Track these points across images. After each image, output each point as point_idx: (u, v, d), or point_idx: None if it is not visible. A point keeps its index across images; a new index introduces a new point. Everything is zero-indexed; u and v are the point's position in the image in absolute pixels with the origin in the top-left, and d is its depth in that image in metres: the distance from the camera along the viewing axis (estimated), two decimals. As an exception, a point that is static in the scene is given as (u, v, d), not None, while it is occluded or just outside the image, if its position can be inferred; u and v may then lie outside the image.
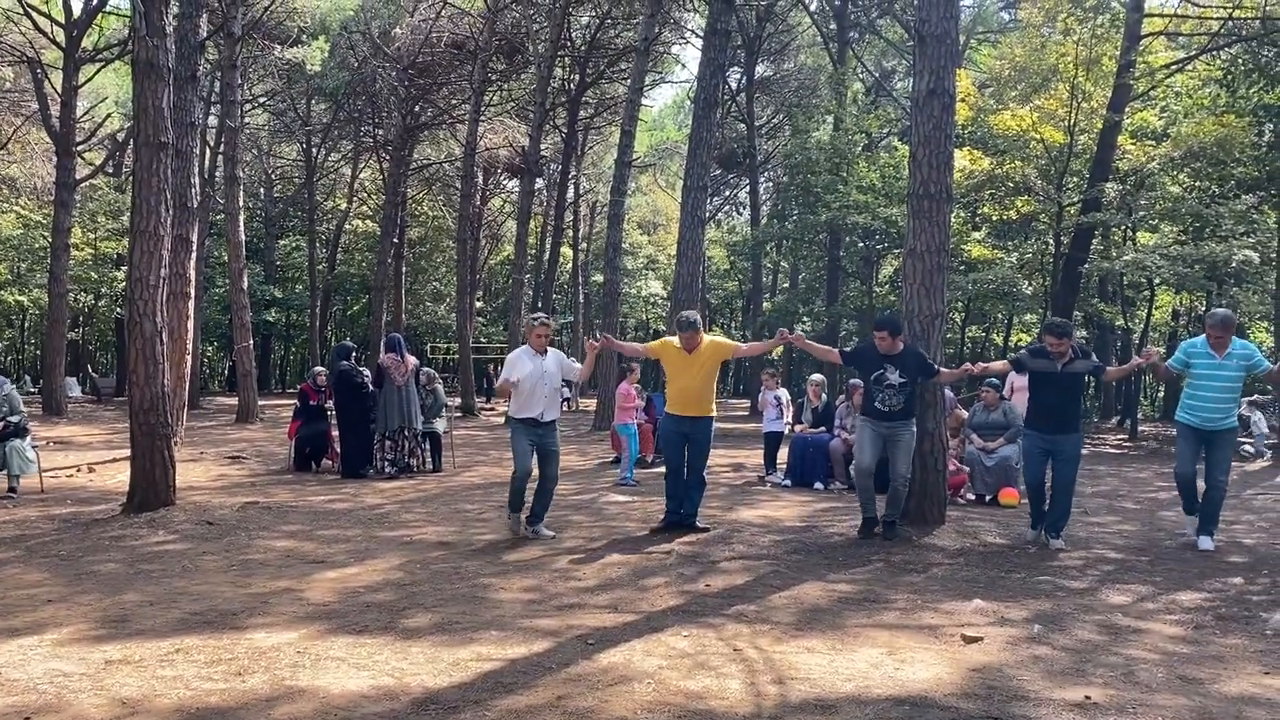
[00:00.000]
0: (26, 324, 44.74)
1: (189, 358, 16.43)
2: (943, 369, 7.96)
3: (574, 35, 30.06)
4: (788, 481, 11.56)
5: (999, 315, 27.62)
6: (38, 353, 42.82)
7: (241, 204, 22.85)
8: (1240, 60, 19.42)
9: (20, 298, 35.40)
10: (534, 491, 7.96)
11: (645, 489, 10.85)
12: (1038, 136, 18.94)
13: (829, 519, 8.86)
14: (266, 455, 14.67)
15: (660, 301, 47.19)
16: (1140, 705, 4.06)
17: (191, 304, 16.16)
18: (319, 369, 14.12)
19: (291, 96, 33.56)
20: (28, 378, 38.90)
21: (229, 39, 21.38)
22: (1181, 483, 7.70)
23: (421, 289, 43.58)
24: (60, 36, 22.67)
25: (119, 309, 32.78)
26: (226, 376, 41.96)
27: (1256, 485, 12.37)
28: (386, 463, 11.97)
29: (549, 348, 7.78)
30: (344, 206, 40.26)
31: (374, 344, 29.35)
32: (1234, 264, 17.15)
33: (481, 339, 40.66)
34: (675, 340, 7.97)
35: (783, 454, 12.29)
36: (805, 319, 33.05)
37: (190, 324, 16.21)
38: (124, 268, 26.74)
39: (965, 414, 11.09)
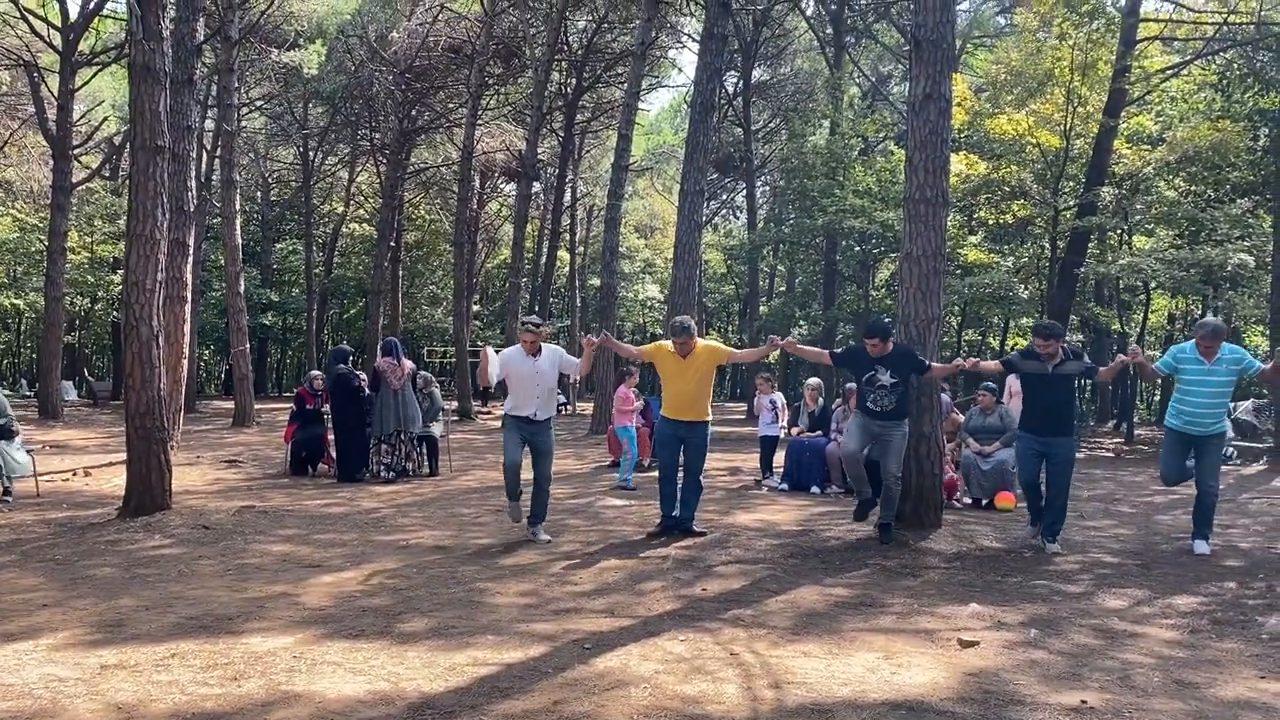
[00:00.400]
0: (22, 327, 44.68)
1: (185, 361, 16.39)
2: (935, 364, 8.01)
3: (571, 39, 30.10)
4: (784, 486, 11.56)
5: (995, 319, 27.64)
6: (34, 356, 42.72)
7: (238, 207, 22.84)
8: (1235, 65, 19.46)
9: (16, 301, 35.32)
10: (529, 494, 7.96)
11: (643, 493, 10.85)
12: (1034, 141, 18.96)
13: (825, 523, 8.87)
14: (263, 459, 14.65)
15: (657, 305, 47.20)
16: (1136, 710, 4.06)
17: (188, 308, 16.12)
18: (315, 373, 14.11)
19: (288, 100, 33.54)
20: (23, 381, 38.83)
21: (226, 43, 21.37)
22: (1168, 485, 7.87)
23: (418, 292, 43.55)
24: (57, 40, 22.66)
25: (115, 313, 32.73)
26: (223, 380, 41.84)
27: (1253, 489, 12.39)
28: (383, 467, 11.96)
29: (544, 345, 7.77)
30: (341, 210, 40.24)
31: (371, 347, 29.32)
32: (1229, 268, 17.16)
33: (478, 342, 40.59)
34: (670, 344, 7.97)
35: (779, 458, 12.29)
36: (802, 323, 33.03)
37: (187, 328, 16.17)
38: (120, 271, 26.72)
39: (961, 418, 11.10)
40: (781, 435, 12.73)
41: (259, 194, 41.89)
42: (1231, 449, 16.23)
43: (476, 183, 35.27)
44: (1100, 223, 18.67)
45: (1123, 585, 6.40)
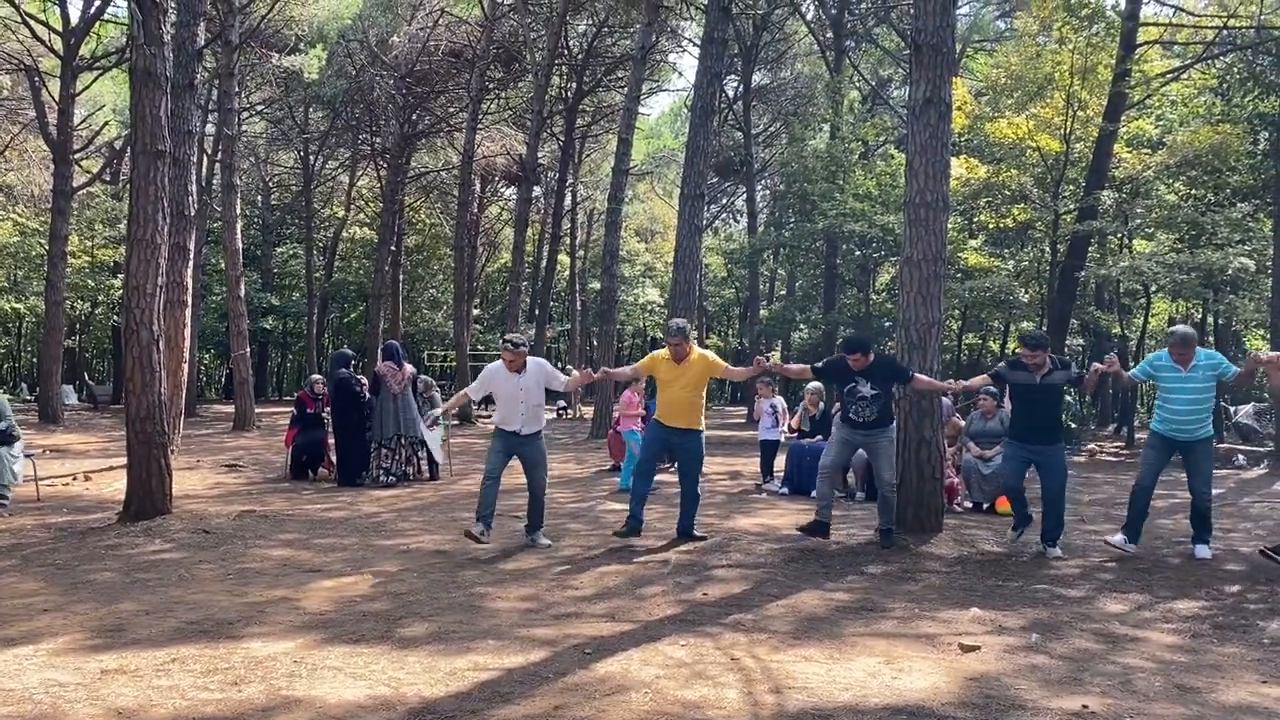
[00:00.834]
0: (23, 331, 44.68)
1: (186, 366, 16.39)
2: (919, 375, 7.94)
3: (571, 44, 30.12)
4: (785, 490, 11.56)
5: (996, 323, 27.63)
6: (34, 360, 42.70)
7: (239, 212, 22.85)
8: (1235, 69, 19.46)
9: (17, 305, 35.32)
10: (527, 504, 7.97)
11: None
12: (1034, 145, 18.97)
13: (826, 527, 8.85)
14: (263, 464, 14.65)
15: (658, 309, 47.18)
16: (1138, 714, 4.06)
17: (189, 312, 16.13)
18: (316, 377, 14.10)
19: (289, 104, 33.57)
20: (24, 385, 38.82)
21: (227, 47, 21.40)
22: (1136, 492, 7.50)
23: (419, 296, 43.53)
24: (58, 44, 22.68)
25: (116, 317, 32.73)
26: (223, 384, 41.80)
27: (1254, 493, 12.38)
28: (383, 471, 11.96)
29: (529, 360, 7.66)
30: (341, 214, 40.24)
31: (371, 351, 29.34)
32: (1230, 271, 17.17)
33: (479, 346, 40.55)
34: (664, 351, 7.93)
35: (780, 462, 12.28)
36: (802, 326, 33.04)
37: (187, 332, 16.18)
38: (121, 276, 26.72)
39: (963, 422, 11.09)
40: (782, 439, 12.73)
41: (260, 198, 41.90)
42: (1241, 456, 16.22)
43: (477, 187, 35.29)
44: (1100, 227, 18.68)
45: (1124, 589, 6.40)
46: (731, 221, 48.74)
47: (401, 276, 37.18)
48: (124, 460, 9.67)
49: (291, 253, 43.20)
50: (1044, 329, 20.66)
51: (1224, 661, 4.83)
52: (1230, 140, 17.50)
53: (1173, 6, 21.36)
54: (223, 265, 26.92)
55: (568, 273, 42.53)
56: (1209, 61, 20.22)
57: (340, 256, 42.89)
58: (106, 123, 27.72)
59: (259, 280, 39.19)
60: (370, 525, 8.94)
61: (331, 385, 12.43)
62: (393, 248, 33.78)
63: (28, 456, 10.66)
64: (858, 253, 28.39)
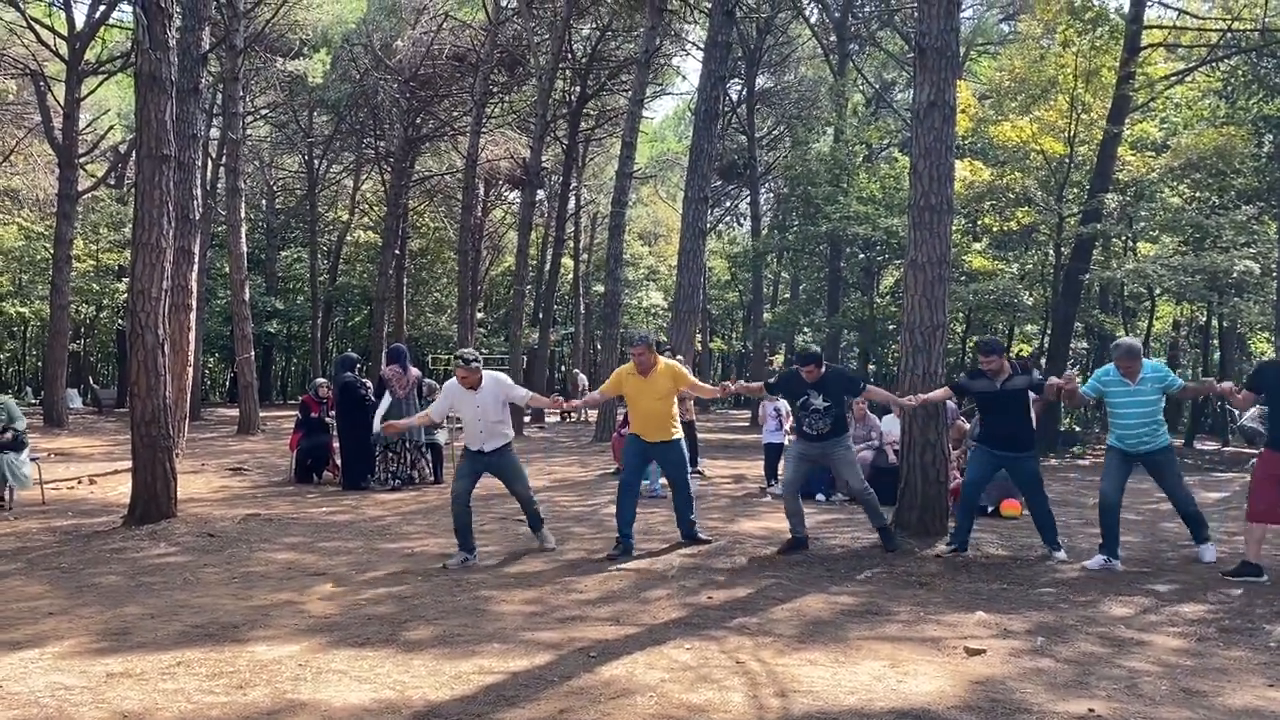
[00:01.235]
0: (28, 335, 44.79)
1: (190, 369, 16.44)
2: (872, 386, 8.08)
3: (575, 47, 30.14)
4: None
5: (1000, 326, 27.60)
6: (39, 364, 42.83)
7: (243, 216, 22.90)
8: (1240, 71, 19.45)
9: (22, 309, 35.46)
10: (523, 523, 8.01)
11: (646, 501, 10.84)
12: (1038, 148, 18.96)
13: (830, 530, 8.86)
14: (268, 467, 14.66)
15: (661, 312, 47.18)
16: (1143, 718, 4.05)
17: (193, 315, 16.16)
18: (320, 380, 14.12)
19: (293, 108, 33.64)
20: (29, 389, 38.91)
21: (231, 52, 21.44)
22: (1103, 507, 7.38)
23: (423, 300, 43.58)
24: (63, 49, 22.76)
25: (120, 320, 32.81)
26: (228, 388, 41.96)
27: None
28: (388, 475, 11.97)
29: (485, 374, 7.44)
30: (346, 218, 40.31)
31: (375, 355, 29.37)
32: (1234, 274, 17.15)
33: (483, 350, 40.63)
34: (628, 366, 7.73)
35: (783, 465, 12.25)
36: (806, 330, 33.03)
37: (192, 335, 16.22)
38: (126, 279, 26.76)
39: (967, 425, 11.08)
40: (786, 442, 12.70)
41: (264, 202, 41.99)
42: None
43: (481, 190, 35.29)
44: (1105, 230, 18.66)
45: (1129, 593, 6.38)
46: (735, 225, 48.72)
47: (406, 280, 37.24)
48: (129, 464, 9.69)
49: (296, 256, 43.27)
50: (1048, 332, 20.66)
51: (1230, 665, 4.82)
52: (1234, 143, 17.48)
53: (1177, 9, 21.34)
54: (227, 269, 26.98)
55: (571, 276, 42.56)
56: (1213, 64, 20.21)
57: (344, 260, 42.96)
58: (111, 127, 27.85)
59: (263, 284, 39.27)
60: (375, 529, 8.95)
61: (336, 389, 12.44)
62: (397, 251, 33.82)
63: (33, 460, 10.69)
64: (862, 256, 28.37)
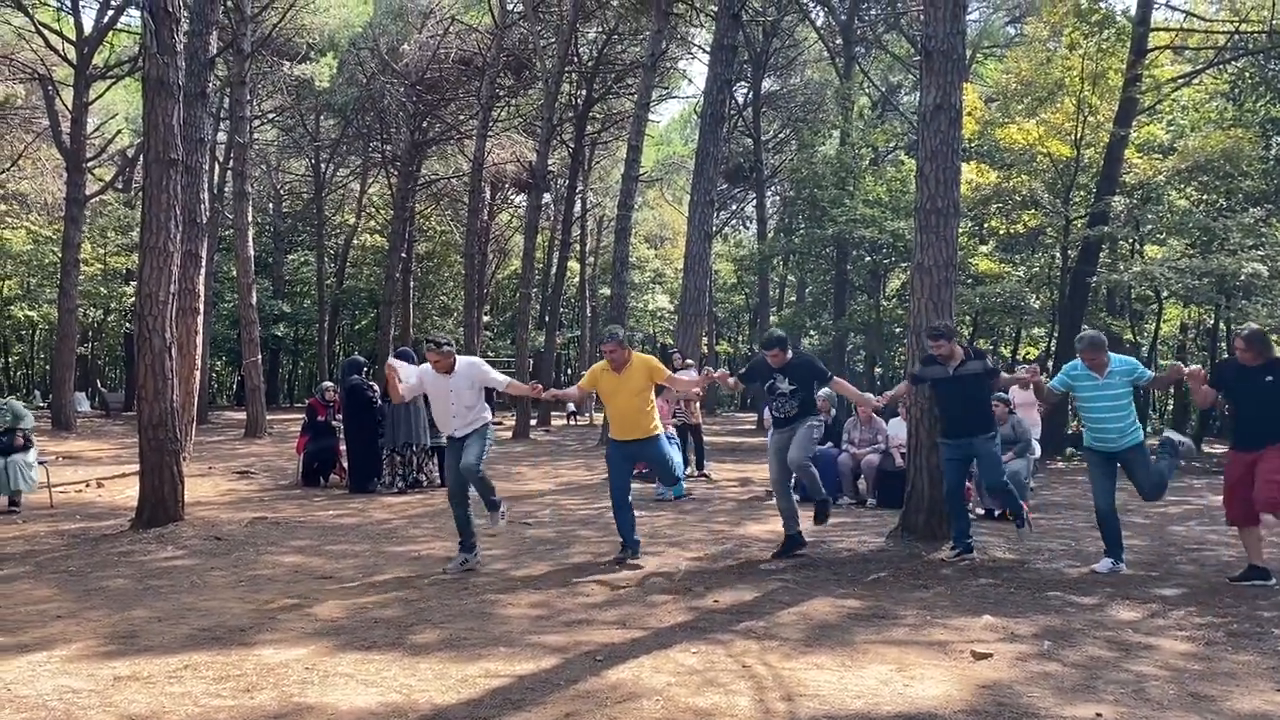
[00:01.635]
0: (36, 339, 44.93)
1: (198, 373, 16.48)
2: (839, 379, 8.14)
3: (581, 51, 30.18)
4: (796, 496, 11.50)
5: (1007, 329, 27.59)
6: (47, 368, 42.95)
7: (250, 219, 22.95)
8: (1247, 74, 19.42)
9: (30, 313, 35.55)
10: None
11: (652, 504, 10.86)
12: (1044, 150, 18.94)
13: (837, 534, 8.85)
14: (275, 470, 14.68)
15: (668, 315, 47.18)
16: (1151, 722, 4.04)
17: (200, 319, 16.21)
18: (327, 384, 14.13)
19: (300, 112, 33.73)
20: (36, 393, 39.04)
21: (239, 56, 21.52)
22: (1100, 519, 7.30)
23: (429, 303, 43.65)
24: (71, 54, 22.85)
25: (128, 324, 32.93)
26: (235, 391, 41.98)
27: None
28: (395, 478, 11.98)
29: (460, 359, 7.30)
30: (352, 221, 40.40)
31: (382, 358, 29.36)
32: (1242, 277, 17.11)
33: (489, 353, 40.65)
34: (602, 363, 7.59)
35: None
36: (813, 333, 33.02)
37: (199, 339, 16.26)
38: (133, 283, 26.86)
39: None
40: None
41: (271, 206, 42.09)
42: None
43: (487, 194, 35.36)
44: (1112, 232, 18.63)
45: (1137, 597, 6.36)
46: (741, 228, 48.75)
47: (412, 283, 37.28)
48: (136, 467, 9.72)
49: (303, 260, 43.38)
50: (1055, 335, 20.62)
51: (1238, 669, 4.80)
52: (1242, 145, 17.44)
53: (1184, 11, 21.31)
54: (234, 272, 27.01)
55: (578, 279, 42.58)
56: (1221, 66, 20.17)
57: (351, 263, 43.04)
58: (119, 131, 27.95)
59: (270, 287, 39.35)
60: (382, 532, 8.96)
61: (343, 392, 12.46)
62: (403, 254, 33.87)
63: (41, 463, 10.73)
64: (868, 259, 28.35)
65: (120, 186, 31.87)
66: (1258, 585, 6.63)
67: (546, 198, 35.00)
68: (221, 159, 30.47)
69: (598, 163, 39.12)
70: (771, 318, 34.26)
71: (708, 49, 23.34)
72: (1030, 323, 25.05)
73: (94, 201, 27.40)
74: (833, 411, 12.22)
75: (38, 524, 9.40)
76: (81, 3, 23.80)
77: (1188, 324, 31.45)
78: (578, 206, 37.14)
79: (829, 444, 11.84)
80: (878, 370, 30.94)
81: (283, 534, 8.80)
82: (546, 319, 33.38)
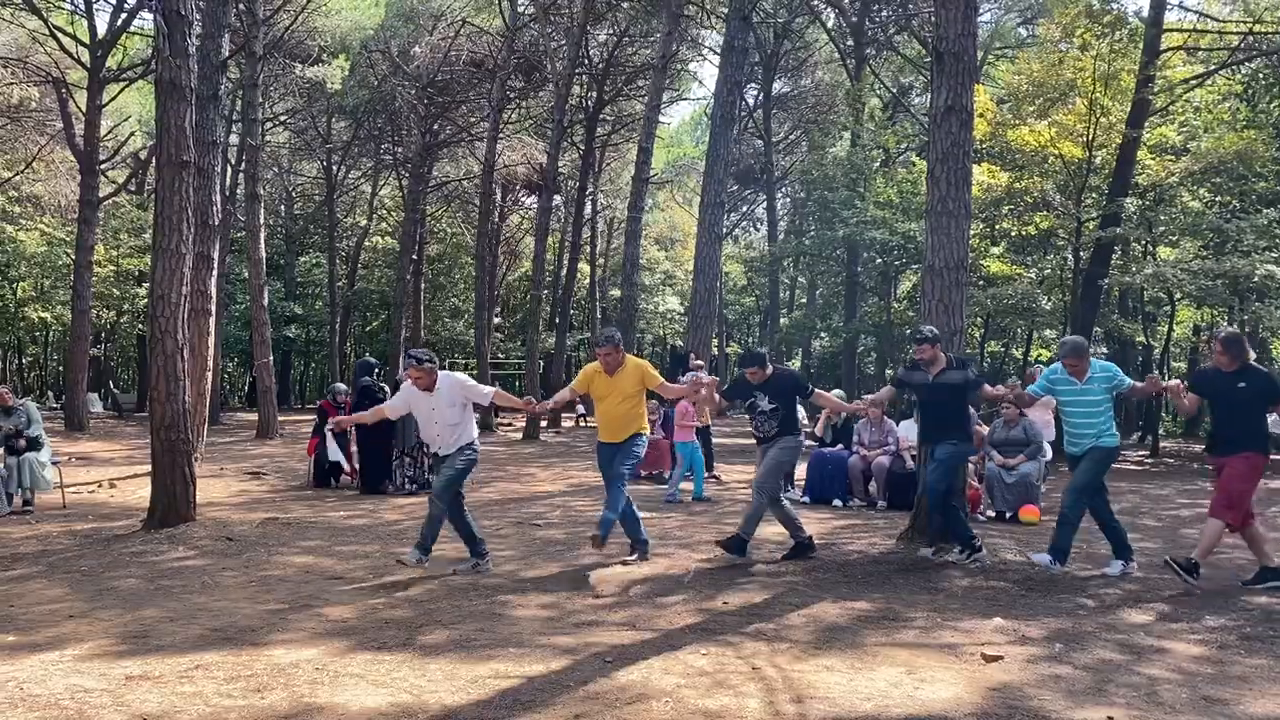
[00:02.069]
0: (50, 340, 45.13)
1: (210, 374, 16.53)
2: (820, 391, 8.13)
3: (592, 53, 30.21)
4: (805, 498, 11.52)
5: (1019, 330, 27.48)
6: (60, 369, 43.18)
7: (262, 221, 23.02)
8: (1261, 74, 19.31)
9: (44, 314, 35.72)
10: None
11: (662, 506, 10.86)
12: (1056, 152, 18.86)
13: (847, 536, 8.84)
14: (286, 471, 14.73)
15: (678, 317, 47.18)
16: (1163, 726, 4.02)
17: (212, 320, 16.26)
18: (339, 385, 14.16)
19: (312, 115, 33.83)
20: (50, 393, 39.21)
21: (250, 58, 21.59)
22: (1100, 524, 7.32)
23: (440, 305, 43.69)
24: (85, 57, 22.96)
25: (141, 325, 33.01)
26: (247, 392, 42.13)
27: (1279, 504, 12.22)
28: (405, 479, 12.00)
29: (443, 375, 7.10)
30: (364, 223, 40.47)
31: (393, 360, 29.46)
32: (1256, 279, 17.02)
33: (499, 355, 40.70)
34: (596, 364, 7.55)
35: (800, 471, 12.24)
36: (823, 335, 33.00)
37: (211, 340, 16.31)
38: (146, 284, 26.98)
39: (985, 430, 11.04)
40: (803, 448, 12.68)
41: (283, 208, 42.21)
42: None
43: (498, 196, 35.40)
44: (1124, 234, 18.56)
45: (1148, 600, 6.34)
46: (752, 229, 48.76)
47: (423, 285, 37.35)
48: (148, 467, 9.76)
49: (314, 262, 43.48)
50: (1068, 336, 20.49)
51: (1251, 673, 4.77)
52: (1256, 146, 17.34)
53: (1197, 12, 21.22)
54: (246, 274, 27.12)
55: (588, 281, 42.61)
56: (1234, 67, 20.07)
57: (363, 265, 43.12)
58: (132, 133, 28.05)
59: (282, 289, 39.46)
60: (392, 533, 8.98)
61: (355, 393, 12.48)
62: (414, 256, 33.93)
63: (54, 464, 10.79)
64: (879, 260, 28.32)
65: (133, 189, 32.00)
66: (1272, 586, 6.59)
67: (557, 200, 35.04)
68: (234, 161, 30.57)
69: (608, 165, 39.14)
70: (782, 319, 34.23)
71: (718, 51, 23.38)
72: (1042, 324, 24.94)
73: (107, 203, 27.51)
74: (841, 414, 12.20)
75: (51, 524, 9.45)
76: (95, 6, 23.91)
77: (1201, 326, 31.31)
78: (588, 208, 37.17)
79: (839, 446, 11.83)
80: (889, 373, 30.84)
81: (294, 535, 8.83)
82: (557, 320, 33.41)
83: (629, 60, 30.96)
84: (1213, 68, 20.40)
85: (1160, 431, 22.59)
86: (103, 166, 24.56)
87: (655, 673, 4.65)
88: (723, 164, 17.58)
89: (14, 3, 22.88)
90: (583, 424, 28.85)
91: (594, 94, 30.88)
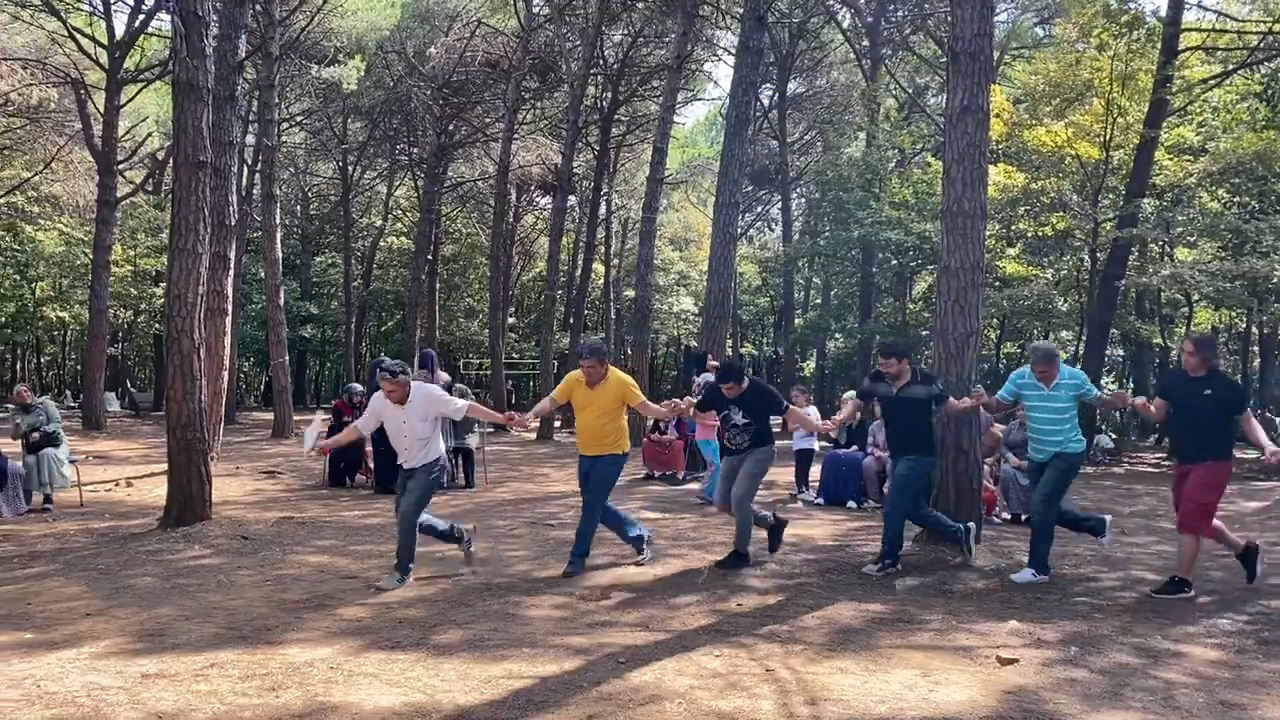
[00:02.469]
0: (68, 339, 45.44)
1: (226, 373, 16.60)
2: (793, 407, 8.15)
3: (607, 53, 30.22)
4: (820, 500, 11.50)
5: (1035, 332, 27.35)
6: (78, 368, 43.46)
7: (278, 221, 23.12)
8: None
9: (62, 314, 35.93)
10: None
11: (679, 506, 10.84)
12: (1073, 152, 18.78)
13: (862, 538, 8.81)
14: (301, 471, 14.78)
15: (692, 318, 47.15)
16: (1180, 731, 3.99)
17: (229, 320, 16.33)
18: (355, 385, 14.19)
19: (328, 115, 33.97)
20: (68, 392, 39.48)
21: (267, 59, 21.70)
22: (1061, 522, 7.29)
23: (455, 305, 43.78)
24: (103, 58, 23.11)
25: (158, 325, 33.20)
26: (263, 392, 42.33)
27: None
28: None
29: (416, 388, 6.90)
30: (379, 224, 40.62)
31: (408, 360, 29.54)
32: (1275, 280, 16.90)
33: (514, 355, 40.78)
34: (578, 373, 7.41)
35: (815, 472, 12.22)
36: (838, 336, 32.90)
37: (227, 340, 16.38)
38: (163, 284, 27.13)
39: (1000, 432, 10.99)
40: (817, 448, 12.67)
41: (299, 208, 42.39)
42: None
43: (513, 196, 35.45)
44: (1141, 235, 18.45)
45: (1165, 604, 6.30)
46: (766, 230, 48.65)
47: (438, 285, 37.43)
48: (165, 466, 9.81)
49: (330, 262, 43.64)
50: (1084, 339, 20.44)
51: (1269, 678, 4.74)
52: (1274, 146, 17.22)
53: (1216, 12, 21.07)
54: (262, 274, 27.25)
55: (602, 281, 42.62)
56: (1253, 67, 19.92)
57: (378, 265, 43.27)
58: (150, 134, 28.20)
59: (298, 289, 39.63)
60: (406, 532, 8.98)
61: (369, 393, 12.50)
62: (429, 257, 34.01)
63: (72, 462, 10.87)
64: (894, 261, 28.23)
65: (150, 189, 32.17)
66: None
67: (572, 200, 35.07)
68: (250, 161, 30.72)
69: (623, 165, 39.13)
70: (796, 320, 34.15)
71: (733, 51, 23.33)
72: (1058, 326, 24.85)
73: (124, 204, 27.65)
74: (857, 415, 12.14)
75: (68, 522, 9.52)
76: (113, 7, 24.06)
77: (1219, 327, 31.11)
78: (602, 209, 37.17)
79: (854, 447, 11.80)
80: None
81: (309, 534, 8.86)
82: (571, 321, 33.43)
83: (644, 61, 30.95)
84: (1231, 67, 20.25)
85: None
86: (120, 167, 24.72)
87: (668, 674, 4.65)
88: (737, 164, 17.53)
89: (33, 4, 23.03)
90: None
91: (609, 94, 30.89)
